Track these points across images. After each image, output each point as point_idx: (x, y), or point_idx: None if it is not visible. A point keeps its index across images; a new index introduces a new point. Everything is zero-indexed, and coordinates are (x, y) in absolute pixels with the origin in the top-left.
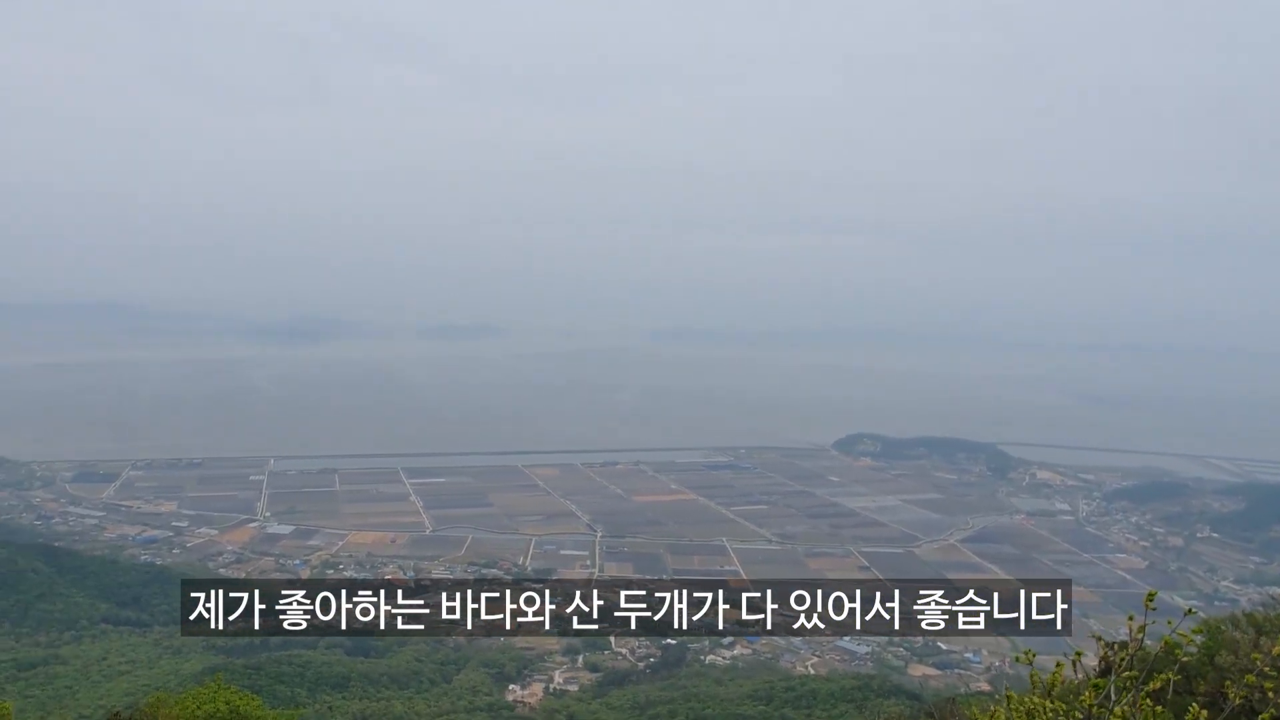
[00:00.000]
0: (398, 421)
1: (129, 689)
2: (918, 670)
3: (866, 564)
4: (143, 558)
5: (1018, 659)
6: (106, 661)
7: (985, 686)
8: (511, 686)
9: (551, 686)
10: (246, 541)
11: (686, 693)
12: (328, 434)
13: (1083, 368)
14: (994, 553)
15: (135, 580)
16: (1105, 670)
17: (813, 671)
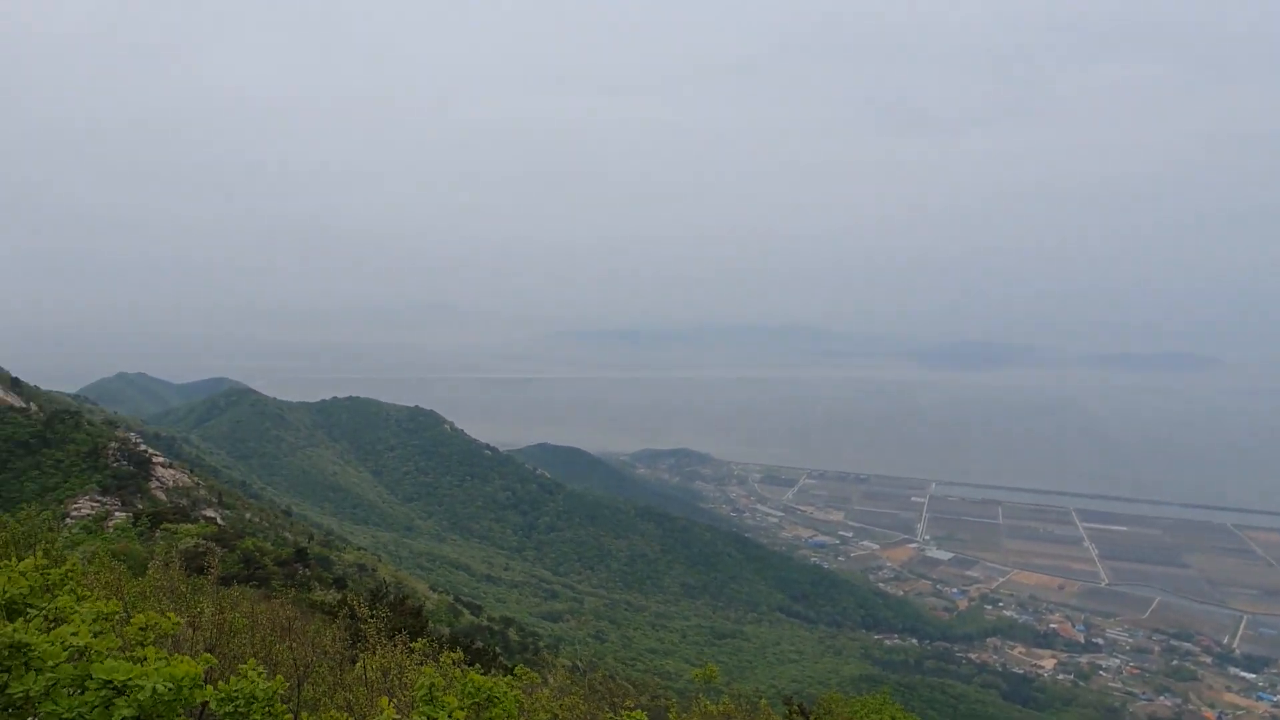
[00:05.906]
0: (1071, 458)
1: (795, 676)
2: None
3: None
4: (812, 560)
5: None
6: (779, 647)
7: None
8: None
9: None
10: (905, 561)
11: None
12: (991, 463)
13: None
14: None
15: (805, 579)
16: None
17: None
